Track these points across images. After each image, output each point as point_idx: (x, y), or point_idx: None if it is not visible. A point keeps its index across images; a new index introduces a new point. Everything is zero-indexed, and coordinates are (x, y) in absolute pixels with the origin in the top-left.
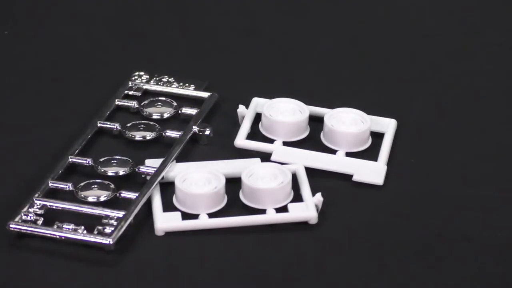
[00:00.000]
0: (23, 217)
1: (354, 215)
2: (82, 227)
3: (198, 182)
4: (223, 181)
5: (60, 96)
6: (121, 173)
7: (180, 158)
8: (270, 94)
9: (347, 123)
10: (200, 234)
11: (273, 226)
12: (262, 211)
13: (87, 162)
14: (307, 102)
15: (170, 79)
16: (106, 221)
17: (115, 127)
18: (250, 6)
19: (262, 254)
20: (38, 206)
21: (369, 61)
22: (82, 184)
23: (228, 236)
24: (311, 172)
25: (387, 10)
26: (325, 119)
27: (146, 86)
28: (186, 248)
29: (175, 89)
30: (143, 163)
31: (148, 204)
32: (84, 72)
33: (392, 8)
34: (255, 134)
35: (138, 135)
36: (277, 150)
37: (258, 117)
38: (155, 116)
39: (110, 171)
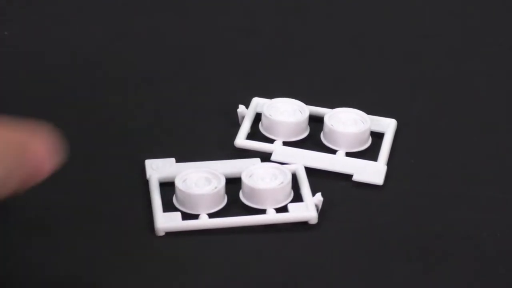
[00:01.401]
0: None
1: (354, 215)
2: None
3: (198, 182)
4: (223, 181)
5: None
6: None
7: (180, 159)
8: (270, 94)
9: (347, 123)
10: (200, 234)
11: (273, 227)
12: (262, 211)
13: None
14: (307, 102)
15: None
16: None
17: None
18: (250, 6)
19: (261, 254)
20: None
21: (369, 61)
22: None
23: (228, 236)
24: (311, 172)
25: (387, 10)
26: (325, 119)
27: None
28: (186, 248)
29: None
30: None
31: (148, 204)
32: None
33: (392, 7)
34: (255, 134)
35: None
36: (277, 150)
37: (258, 117)
38: None
39: None
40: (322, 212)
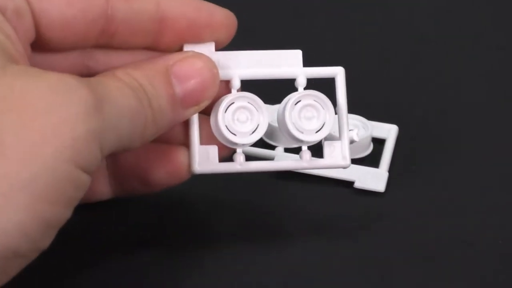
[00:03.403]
0: None
1: (355, 222)
2: None
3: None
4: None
5: None
6: None
7: None
8: (272, 99)
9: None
10: None
11: (275, 234)
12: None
13: None
14: None
15: None
16: None
17: None
18: (250, 5)
19: (265, 263)
20: None
21: (369, 65)
22: None
23: (232, 244)
24: (311, 179)
25: (387, 11)
26: None
27: None
28: None
29: None
30: None
31: None
32: None
33: (392, 9)
34: None
35: None
36: (278, 156)
37: None
38: None
39: None
40: (323, 219)
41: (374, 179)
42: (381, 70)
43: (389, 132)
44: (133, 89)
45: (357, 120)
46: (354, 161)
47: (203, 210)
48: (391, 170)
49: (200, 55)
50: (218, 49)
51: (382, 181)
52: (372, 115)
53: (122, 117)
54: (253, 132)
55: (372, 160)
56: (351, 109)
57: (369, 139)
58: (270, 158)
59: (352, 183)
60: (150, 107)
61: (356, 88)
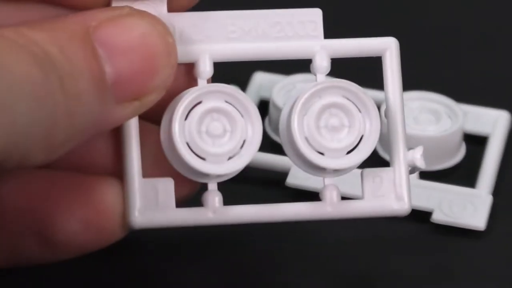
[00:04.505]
0: None
1: (433, 279)
2: None
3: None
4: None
5: None
6: None
7: None
8: (283, 67)
9: (422, 119)
10: None
11: None
12: None
13: None
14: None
15: None
16: None
17: None
18: None
19: None
20: None
21: (450, 22)
22: None
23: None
24: None
25: None
26: (382, 112)
27: None
28: None
29: None
30: None
31: None
32: None
33: None
34: None
35: None
36: (296, 169)
37: (264, 107)
38: None
39: None
40: (393, 262)
41: (467, 208)
42: (471, 27)
43: (494, 123)
44: (33, 55)
45: (438, 102)
46: (434, 176)
47: (168, 264)
48: (497, 191)
49: (141, 13)
50: (174, 10)
51: (481, 212)
52: (464, 95)
53: (16, 93)
54: (235, 155)
55: (464, 173)
56: (428, 85)
57: (459, 135)
58: (282, 170)
59: (428, 214)
60: (62, 88)
61: (435, 54)
